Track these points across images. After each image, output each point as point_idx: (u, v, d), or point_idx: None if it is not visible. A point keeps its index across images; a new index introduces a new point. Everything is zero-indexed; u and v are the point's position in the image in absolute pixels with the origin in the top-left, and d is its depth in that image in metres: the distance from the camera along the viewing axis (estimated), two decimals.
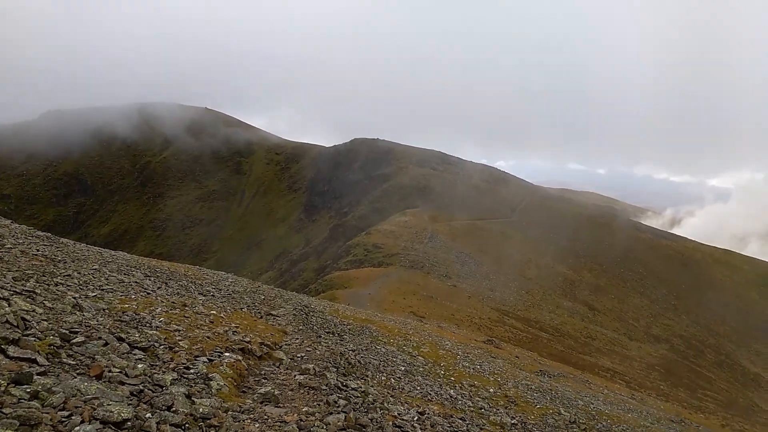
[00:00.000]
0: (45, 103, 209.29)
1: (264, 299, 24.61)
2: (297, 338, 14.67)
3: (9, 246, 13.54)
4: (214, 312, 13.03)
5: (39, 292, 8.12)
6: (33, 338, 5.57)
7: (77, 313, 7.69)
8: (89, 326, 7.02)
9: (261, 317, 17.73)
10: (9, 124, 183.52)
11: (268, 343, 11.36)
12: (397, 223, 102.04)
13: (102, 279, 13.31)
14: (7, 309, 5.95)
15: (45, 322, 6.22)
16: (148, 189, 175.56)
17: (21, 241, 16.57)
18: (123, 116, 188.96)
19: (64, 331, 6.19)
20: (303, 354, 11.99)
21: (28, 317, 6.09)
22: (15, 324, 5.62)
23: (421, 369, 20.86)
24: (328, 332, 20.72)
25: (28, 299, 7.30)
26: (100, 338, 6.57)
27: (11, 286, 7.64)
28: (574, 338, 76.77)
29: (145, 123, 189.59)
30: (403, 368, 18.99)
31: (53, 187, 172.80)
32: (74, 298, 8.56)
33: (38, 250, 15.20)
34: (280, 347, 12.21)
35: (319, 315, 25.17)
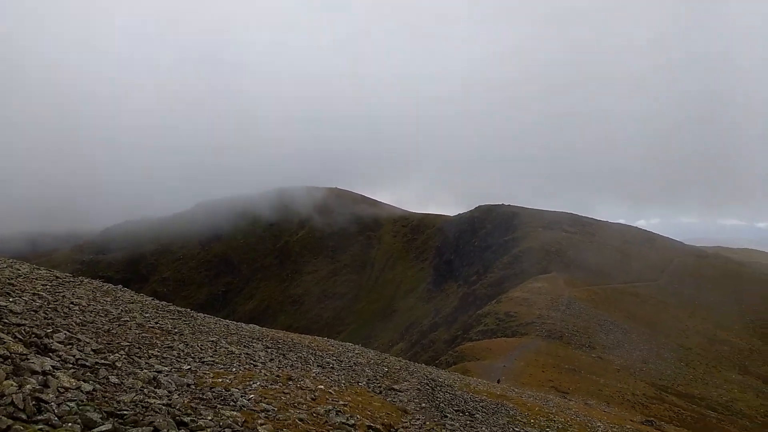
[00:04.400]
0: (199, 194, 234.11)
1: (387, 372, 22.96)
2: (418, 419, 12.78)
3: (126, 319, 13.54)
4: (322, 387, 11.68)
5: (119, 365, 7.34)
6: (42, 425, 4.54)
7: (147, 389, 6.72)
8: (146, 407, 5.96)
9: (380, 393, 16.09)
10: (170, 215, 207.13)
11: (379, 426, 9.65)
12: (530, 289, 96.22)
13: (209, 351, 12.70)
14: (27, 388, 5.00)
15: (72, 404, 5.19)
16: (287, 266, 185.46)
17: (147, 316, 16.77)
18: (264, 200, 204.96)
19: (93, 416, 5.10)
20: None
21: (48, 398, 5.10)
22: (21, 407, 4.63)
23: None
24: (456, 410, 18.41)
25: (87, 373, 6.46)
26: (150, 423, 5.42)
27: (78, 358, 6.91)
28: (749, 418, 64.77)
29: (282, 205, 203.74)
30: None
31: (205, 268, 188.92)
32: (156, 372, 7.66)
33: (157, 323, 15.17)
34: (395, 431, 10.41)
35: (447, 390, 22.89)
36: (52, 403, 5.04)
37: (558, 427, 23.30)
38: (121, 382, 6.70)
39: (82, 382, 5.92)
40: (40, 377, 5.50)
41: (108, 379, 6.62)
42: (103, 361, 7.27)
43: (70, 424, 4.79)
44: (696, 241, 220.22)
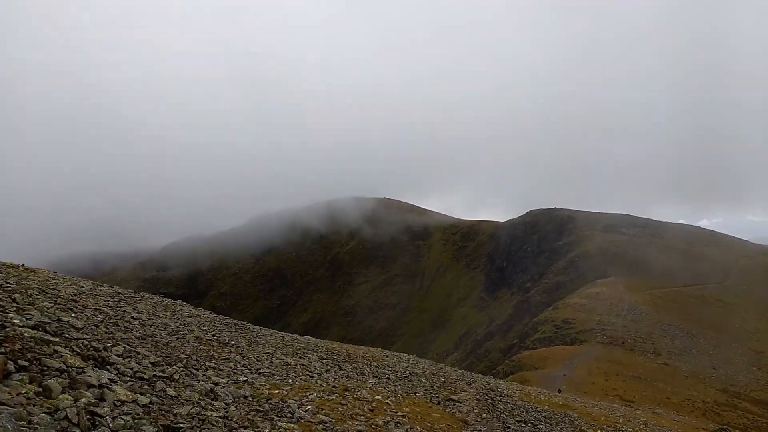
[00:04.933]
0: (252, 208, 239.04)
1: (444, 382, 22.47)
2: (479, 430, 12.31)
3: (184, 332, 13.70)
4: (379, 397, 11.40)
5: (177, 377, 7.29)
6: None
7: (204, 401, 6.60)
8: (203, 419, 5.83)
9: (438, 403, 15.66)
10: (225, 230, 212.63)
11: None
12: (588, 295, 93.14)
13: (266, 362, 12.65)
14: (82, 401, 4.91)
15: (127, 417, 5.08)
16: (338, 278, 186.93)
17: (205, 329, 17.00)
18: (314, 213, 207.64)
19: (148, 429, 4.96)
20: None
21: (103, 412, 5.01)
22: (75, 422, 4.54)
23: None
24: (518, 421, 17.73)
25: (144, 386, 6.40)
26: None
27: (136, 371, 6.87)
28: None
29: (331, 217, 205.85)
30: None
31: (260, 282, 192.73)
32: (213, 384, 7.57)
33: (214, 336, 15.31)
34: None
35: (507, 400, 22.16)
36: (107, 417, 4.96)
37: None
38: (178, 395, 6.63)
39: (139, 395, 5.85)
40: (97, 390, 5.45)
41: (165, 391, 6.56)
42: (160, 373, 7.23)
43: None
44: (764, 240, 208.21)
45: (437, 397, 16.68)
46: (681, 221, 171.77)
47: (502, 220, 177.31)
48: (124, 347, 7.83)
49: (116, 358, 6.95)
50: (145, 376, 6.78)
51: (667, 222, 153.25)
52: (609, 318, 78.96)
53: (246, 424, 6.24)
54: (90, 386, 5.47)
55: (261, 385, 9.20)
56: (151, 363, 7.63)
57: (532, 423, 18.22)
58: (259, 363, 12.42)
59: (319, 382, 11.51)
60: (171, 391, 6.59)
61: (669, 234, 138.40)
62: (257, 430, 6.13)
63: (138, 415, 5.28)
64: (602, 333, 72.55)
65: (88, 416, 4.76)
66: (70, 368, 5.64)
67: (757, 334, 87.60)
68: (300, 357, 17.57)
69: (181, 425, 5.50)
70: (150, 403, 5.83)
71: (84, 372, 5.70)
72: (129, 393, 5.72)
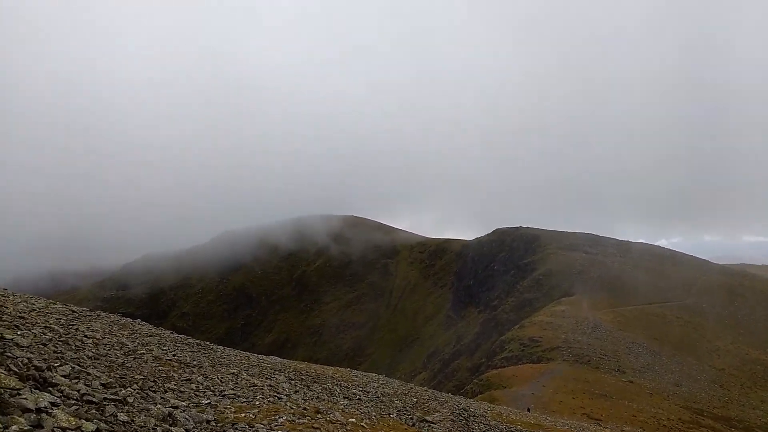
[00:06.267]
0: (217, 225, 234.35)
1: (416, 402, 21.87)
2: None
3: (142, 352, 12.80)
4: (354, 420, 10.76)
5: (131, 401, 6.56)
6: None
7: (161, 427, 5.90)
8: None
9: (413, 425, 15.07)
10: (188, 248, 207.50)
11: None
12: (553, 313, 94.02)
13: (230, 383, 11.88)
14: (13, 429, 4.21)
15: None
16: (305, 297, 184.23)
17: (165, 349, 16.04)
18: (281, 230, 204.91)
19: None
20: None
21: None
22: None
23: None
24: None
25: (92, 411, 5.68)
26: None
27: (83, 393, 6.13)
28: None
29: (299, 234, 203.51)
30: None
31: (224, 302, 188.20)
32: (173, 407, 6.86)
33: (174, 356, 14.41)
34: None
35: (480, 420, 21.68)
36: None
37: None
38: (131, 420, 5.91)
39: (84, 421, 5.11)
40: (33, 416, 4.71)
41: (116, 416, 5.83)
42: (112, 396, 6.49)
43: None
44: (720, 259, 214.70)
45: (411, 419, 16.10)
46: (641, 240, 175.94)
47: (469, 239, 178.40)
48: (73, 367, 7.04)
49: (61, 378, 6.17)
50: (93, 399, 6.03)
51: (629, 241, 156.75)
52: (575, 336, 79.68)
53: None
54: (25, 410, 4.73)
55: (225, 408, 8.48)
56: (102, 385, 6.86)
57: None
58: (224, 384, 11.63)
59: (288, 404, 10.80)
60: (123, 417, 5.86)
61: (631, 253, 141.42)
62: None
63: None
64: (568, 351, 73.06)
65: None
66: (2, 390, 4.89)
67: (717, 351, 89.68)
68: (267, 378, 16.77)
69: None
70: (97, 430, 5.10)
71: (19, 394, 4.95)
72: (72, 419, 4.99)
